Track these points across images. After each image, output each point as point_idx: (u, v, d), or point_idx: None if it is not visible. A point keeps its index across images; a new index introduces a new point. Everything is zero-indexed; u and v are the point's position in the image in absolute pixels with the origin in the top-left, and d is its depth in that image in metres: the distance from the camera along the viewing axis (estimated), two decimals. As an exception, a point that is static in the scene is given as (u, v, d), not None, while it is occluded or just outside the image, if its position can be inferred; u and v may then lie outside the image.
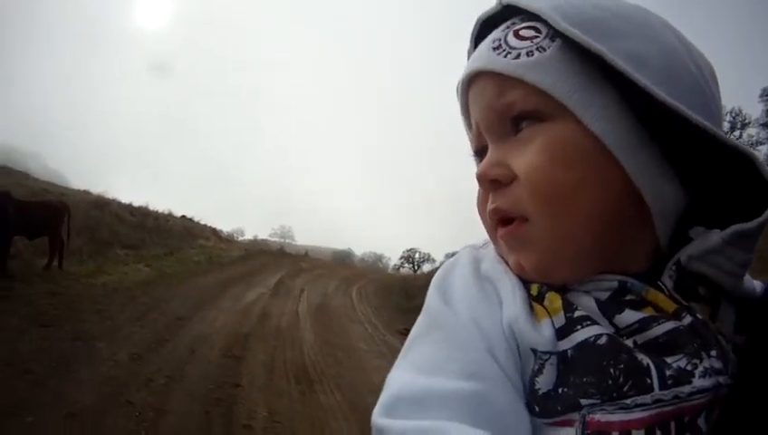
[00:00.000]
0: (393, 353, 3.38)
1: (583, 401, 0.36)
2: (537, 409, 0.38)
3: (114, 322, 7.10)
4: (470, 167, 0.46)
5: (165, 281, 10.70)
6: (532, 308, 0.41)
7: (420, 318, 0.46)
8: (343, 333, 8.28)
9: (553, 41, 0.39)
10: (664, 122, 0.38)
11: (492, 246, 0.47)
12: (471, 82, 0.44)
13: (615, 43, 0.38)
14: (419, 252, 45.53)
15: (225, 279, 11.54)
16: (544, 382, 0.38)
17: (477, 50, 0.44)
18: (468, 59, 0.45)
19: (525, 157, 0.40)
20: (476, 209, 0.47)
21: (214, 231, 23.56)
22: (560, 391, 0.37)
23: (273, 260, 18.01)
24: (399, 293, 13.49)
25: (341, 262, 41.69)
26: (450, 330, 0.41)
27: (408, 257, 46.02)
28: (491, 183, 0.43)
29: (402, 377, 0.40)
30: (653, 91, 0.36)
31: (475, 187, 0.46)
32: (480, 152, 0.46)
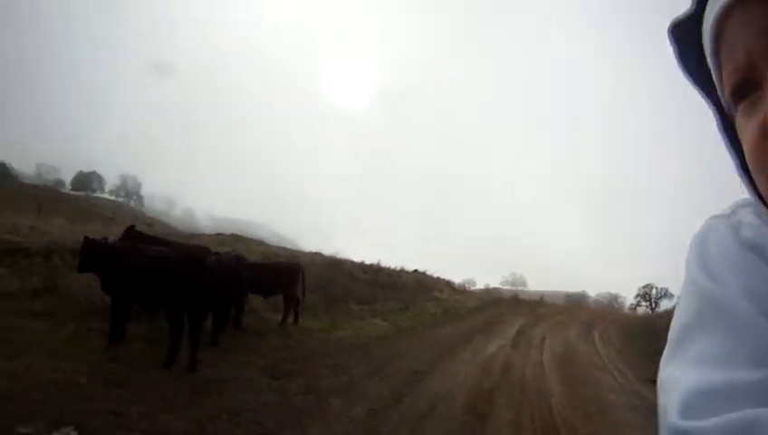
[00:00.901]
0: (646, 405, 6.99)
1: None
2: None
3: (349, 377, 8.25)
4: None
5: (401, 335, 12.68)
6: None
7: (685, 300, 0.56)
8: (591, 383, 9.40)
9: None
10: None
11: (743, 211, 0.56)
12: (733, 9, 0.50)
13: None
14: (656, 287, 55.85)
15: (462, 331, 14.10)
16: None
17: None
18: None
19: None
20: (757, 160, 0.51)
21: (447, 283, 28.05)
22: None
23: (509, 309, 22.23)
24: (643, 335, 15.48)
25: (576, 304, 53.59)
26: (728, 313, 0.50)
27: (645, 295, 56.28)
28: None
29: (690, 375, 0.49)
30: None
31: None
32: (740, 88, 0.51)
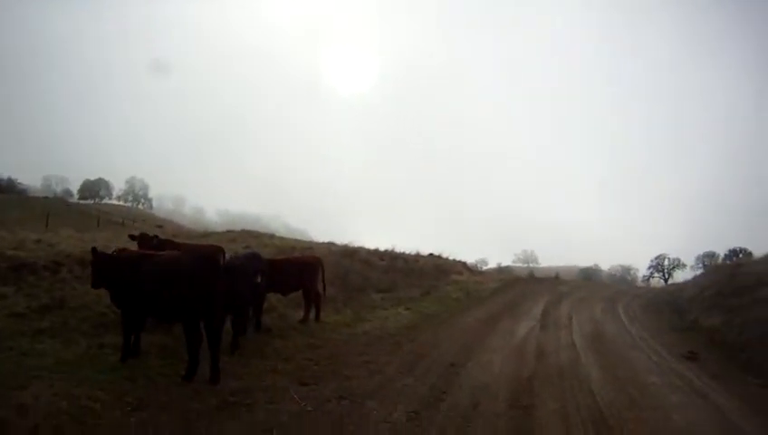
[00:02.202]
0: (687, 385, 7.96)
1: None
2: None
3: (383, 375, 7.90)
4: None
5: (428, 323, 12.57)
6: None
7: None
8: (627, 364, 9.43)
9: None
10: None
11: None
12: None
13: None
14: (668, 258, 59.74)
15: (488, 315, 14.41)
16: None
17: None
18: None
19: None
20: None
21: (464, 265, 28.48)
22: None
23: (529, 287, 22.76)
24: (667, 309, 16.42)
25: (589, 278, 57.30)
26: None
27: (658, 266, 60.17)
28: None
29: None
30: None
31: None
32: None
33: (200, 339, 6.94)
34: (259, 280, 9.52)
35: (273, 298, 11.75)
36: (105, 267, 7.25)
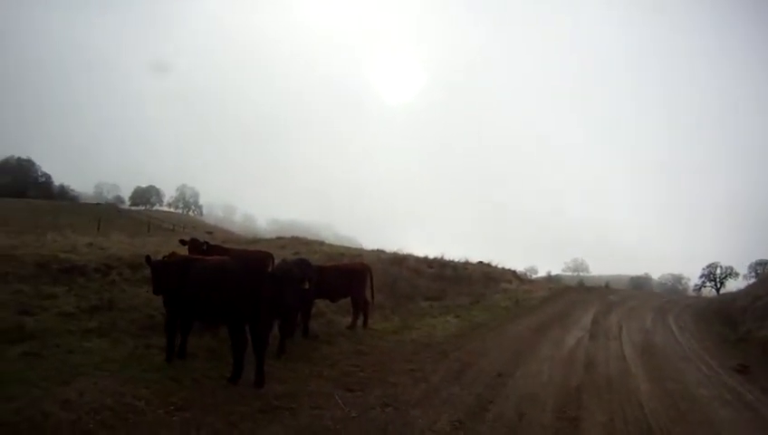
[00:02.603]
0: (737, 399, 7.91)
1: None
2: None
3: (428, 383, 7.74)
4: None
5: (476, 332, 12.41)
6: None
7: None
8: (677, 376, 9.29)
9: None
10: None
11: None
12: None
13: None
14: (720, 266, 58.02)
15: (537, 324, 14.25)
16: None
17: None
18: None
19: None
20: None
21: (514, 273, 28.23)
22: None
23: (579, 296, 22.66)
24: (718, 320, 16.33)
25: (642, 288, 58.85)
26: None
27: (709, 274, 58.61)
28: None
29: None
30: None
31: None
32: None
33: (245, 342, 6.92)
34: (307, 286, 9.47)
35: (321, 304, 11.77)
36: (163, 274, 7.25)
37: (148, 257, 7.53)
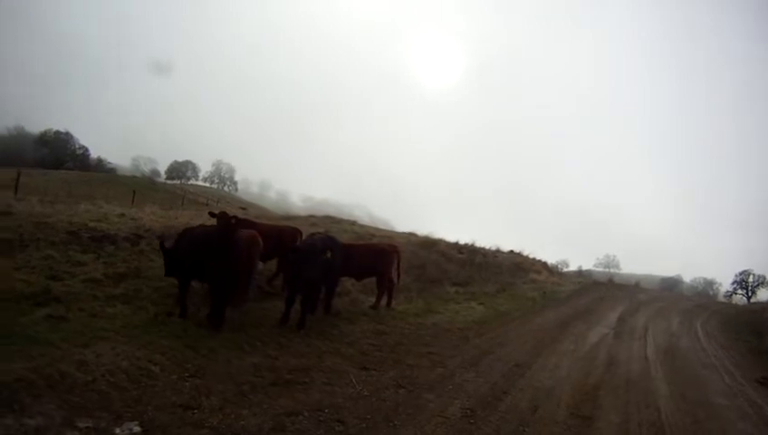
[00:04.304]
0: (757, 413, 7.74)
1: None
2: None
3: (445, 368, 7.85)
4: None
5: (499, 320, 12.50)
6: None
7: None
8: (697, 383, 9.30)
9: None
10: None
11: None
12: None
13: None
14: (753, 274, 60.03)
15: (562, 317, 14.41)
16: None
17: None
18: None
19: None
20: None
21: (545, 265, 28.17)
22: None
23: (608, 293, 22.83)
24: (747, 330, 16.13)
25: (670, 289, 59.24)
26: None
27: (741, 281, 60.74)
28: None
29: None
30: None
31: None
32: None
33: (222, 294, 8.12)
34: (329, 255, 9.60)
35: (347, 283, 12.05)
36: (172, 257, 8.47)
37: (161, 243, 8.82)
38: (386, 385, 6.69)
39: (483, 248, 24.13)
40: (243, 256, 8.58)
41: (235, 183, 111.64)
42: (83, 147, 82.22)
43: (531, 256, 27.61)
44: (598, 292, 22.16)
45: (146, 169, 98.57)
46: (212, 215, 12.50)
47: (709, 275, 79.15)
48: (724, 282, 67.32)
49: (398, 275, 12.29)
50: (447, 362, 8.13)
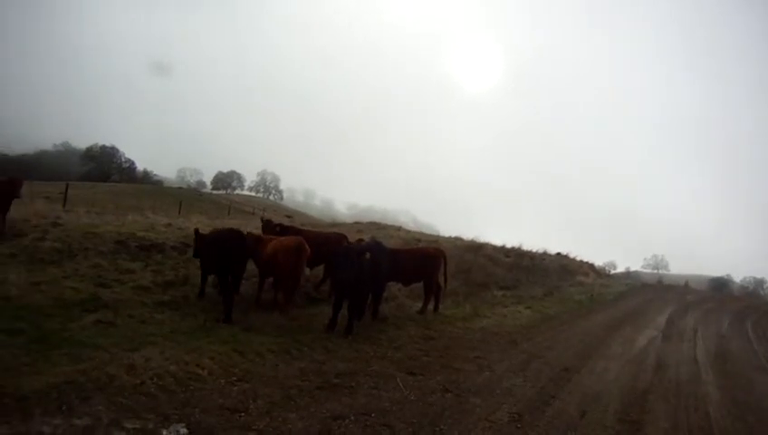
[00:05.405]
0: None
1: None
2: None
3: (492, 372, 7.81)
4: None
5: (547, 324, 12.44)
6: None
7: None
8: (749, 387, 9.21)
9: None
10: None
11: None
12: None
13: None
14: None
15: (610, 320, 14.53)
16: None
17: None
18: None
19: None
20: None
21: (592, 266, 28.78)
22: None
23: (656, 294, 23.15)
24: None
25: (720, 289, 60.36)
26: None
27: None
28: None
29: None
30: None
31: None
32: None
33: (229, 289, 8.90)
34: (368, 256, 9.57)
35: (394, 288, 12.14)
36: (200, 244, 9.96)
37: (196, 229, 10.50)
38: (433, 390, 6.65)
39: (529, 251, 24.20)
40: (242, 256, 9.48)
41: (280, 192, 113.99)
42: (129, 160, 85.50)
43: (578, 259, 27.90)
44: (646, 294, 22.21)
45: (191, 180, 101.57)
46: (263, 221, 13.38)
47: (760, 275, 79.24)
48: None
49: (446, 280, 12.27)
50: (495, 366, 8.07)
